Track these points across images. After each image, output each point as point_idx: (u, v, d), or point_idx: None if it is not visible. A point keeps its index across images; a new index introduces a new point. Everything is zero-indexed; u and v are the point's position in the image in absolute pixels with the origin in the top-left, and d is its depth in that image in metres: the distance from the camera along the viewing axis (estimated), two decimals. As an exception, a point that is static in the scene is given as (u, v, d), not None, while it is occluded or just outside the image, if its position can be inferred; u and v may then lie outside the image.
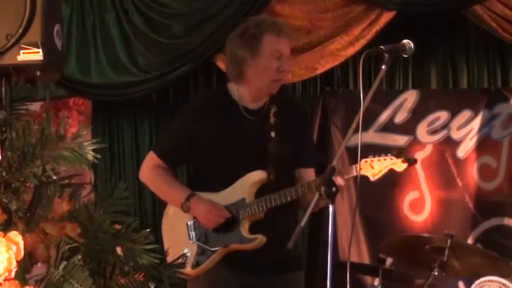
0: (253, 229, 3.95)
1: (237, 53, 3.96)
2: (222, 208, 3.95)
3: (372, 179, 3.67)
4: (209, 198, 3.98)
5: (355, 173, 3.69)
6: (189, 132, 4.02)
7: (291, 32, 4.06)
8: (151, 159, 4.15)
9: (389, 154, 3.63)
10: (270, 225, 3.91)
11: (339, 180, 3.64)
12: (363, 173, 3.65)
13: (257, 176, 3.94)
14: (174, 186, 4.10)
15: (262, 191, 3.92)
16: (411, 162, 3.64)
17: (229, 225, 3.96)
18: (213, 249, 3.99)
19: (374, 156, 3.65)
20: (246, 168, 3.94)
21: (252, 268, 3.94)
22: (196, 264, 3.97)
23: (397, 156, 3.61)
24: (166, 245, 3.99)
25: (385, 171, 3.63)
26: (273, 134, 3.99)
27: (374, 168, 3.63)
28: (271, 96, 4.02)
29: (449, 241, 4.42)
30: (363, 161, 3.64)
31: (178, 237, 4.07)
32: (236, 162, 3.96)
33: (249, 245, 3.93)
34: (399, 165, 3.63)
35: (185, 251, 3.99)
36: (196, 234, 4.03)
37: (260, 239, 3.92)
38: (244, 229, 3.95)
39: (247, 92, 4.01)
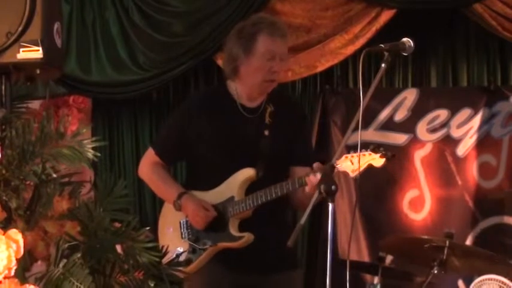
0: (243, 227, 3.96)
1: (232, 51, 3.99)
2: (209, 208, 3.96)
3: (351, 175, 3.63)
4: (200, 197, 4.00)
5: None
6: (184, 129, 4.03)
7: (287, 33, 4.05)
8: (149, 156, 4.17)
9: (368, 150, 3.60)
10: (260, 223, 3.91)
11: (311, 178, 3.65)
12: (343, 169, 3.64)
13: (245, 173, 3.95)
14: (168, 184, 4.12)
15: (253, 189, 3.93)
16: (388, 157, 3.61)
17: (218, 223, 3.97)
18: (203, 247, 4.00)
19: (354, 152, 3.62)
20: (237, 166, 3.95)
21: (246, 267, 3.95)
22: (187, 263, 3.97)
23: (375, 151, 3.59)
24: (161, 242, 4.00)
25: (364, 166, 3.59)
26: (266, 133, 3.99)
27: (353, 164, 3.60)
28: (269, 96, 4.03)
29: (447, 242, 4.41)
30: (344, 156, 3.63)
31: (172, 235, 4.09)
32: (228, 159, 3.97)
33: (236, 243, 3.93)
34: (377, 161, 3.58)
35: (178, 249, 3.99)
36: (188, 233, 4.05)
37: (247, 237, 3.92)
38: (232, 227, 3.95)
39: (242, 90, 4.02)
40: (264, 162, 3.94)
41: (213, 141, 3.98)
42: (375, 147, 3.57)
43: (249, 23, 4.01)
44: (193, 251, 4.02)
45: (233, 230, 3.95)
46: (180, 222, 4.07)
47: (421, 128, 5.88)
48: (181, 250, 4.01)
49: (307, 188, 3.71)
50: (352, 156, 3.59)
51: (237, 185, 3.94)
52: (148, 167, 4.15)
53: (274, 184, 3.84)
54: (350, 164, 3.59)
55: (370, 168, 3.59)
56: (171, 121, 4.25)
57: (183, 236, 4.06)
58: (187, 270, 3.89)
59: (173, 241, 4.03)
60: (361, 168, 3.58)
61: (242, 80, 4.01)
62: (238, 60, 3.97)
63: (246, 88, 4.02)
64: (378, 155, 3.56)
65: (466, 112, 5.84)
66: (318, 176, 3.61)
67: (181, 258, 3.94)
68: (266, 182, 3.89)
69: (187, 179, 4.19)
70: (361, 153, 3.57)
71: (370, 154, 3.58)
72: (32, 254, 2.68)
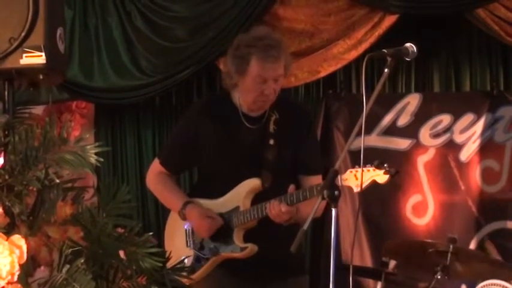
0: (248, 237, 3.95)
1: (228, 67, 3.99)
2: (214, 216, 3.96)
3: (355, 189, 3.61)
4: (206, 206, 4.00)
5: (339, 183, 3.65)
6: (188, 139, 4.04)
7: (282, 55, 3.93)
8: (155, 166, 4.18)
9: (372, 165, 3.58)
10: (266, 233, 3.90)
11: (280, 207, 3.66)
12: (347, 183, 3.62)
13: (251, 184, 3.95)
14: (174, 193, 4.12)
15: (259, 199, 3.92)
16: (392, 173, 3.59)
17: (223, 233, 3.97)
18: (206, 257, 4.00)
19: (359, 167, 3.61)
20: (242, 176, 3.95)
21: (252, 274, 3.95)
22: (191, 271, 3.96)
23: (379, 167, 3.57)
24: (167, 249, 4.00)
25: (367, 182, 3.58)
26: (271, 142, 3.98)
27: (358, 179, 3.57)
28: (273, 103, 4.02)
29: (451, 246, 4.41)
30: (348, 171, 3.62)
31: (178, 243, 4.09)
32: (233, 169, 3.97)
33: (239, 254, 3.93)
34: (381, 177, 3.55)
35: (183, 257, 3.99)
36: (193, 241, 4.05)
37: (250, 248, 3.92)
38: (237, 237, 3.95)
39: (243, 101, 4.02)
40: (270, 172, 3.94)
41: (218, 151, 3.98)
42: (379, 163, 3.55)
43: (244, 43, 3.95)
44: (197, 259, 4.02)
45: (237, 240, 3.95)
46: (185, 230, 4.07)
47: (424, 133, 5.87)
48: (186, 258, 4.00)
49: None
50: (357, 171, 3.58)
51: (243, 195, 3.94)
52: (155, 177, 4.17)
53: (279, 195, 3.83)
54: (354, 179, 3.58)
55: (374, 184, 3.58)
56: (175, 131, 4.28)
57: (188, 244, 4.06)
58: (192, 278, 3.90)
59: (178, 249, 4.03)
60: (365, 184, 3.56)
61: (240, 93, 4.01)
62: (233, 78, 3.97)
63: (244, 102, 4.02)
64: (382, 171, 3.54)
65: (469, 117, 5.84)
66: (283, 207, 3.72)
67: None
68: (273, 191, 3.88)
69: (195, 187, 4.20)
70: (365, 169, 3.56)
71: (374, 170, 3.56)
72: (35, 260, 2.68)
